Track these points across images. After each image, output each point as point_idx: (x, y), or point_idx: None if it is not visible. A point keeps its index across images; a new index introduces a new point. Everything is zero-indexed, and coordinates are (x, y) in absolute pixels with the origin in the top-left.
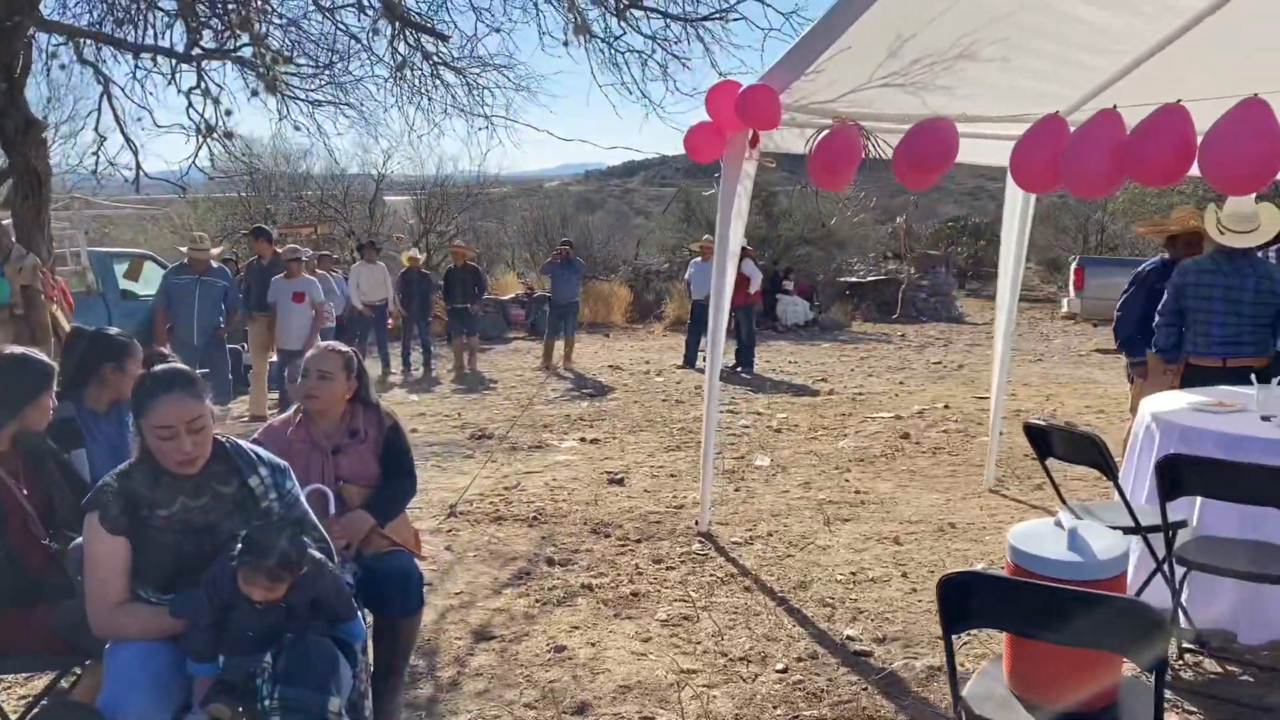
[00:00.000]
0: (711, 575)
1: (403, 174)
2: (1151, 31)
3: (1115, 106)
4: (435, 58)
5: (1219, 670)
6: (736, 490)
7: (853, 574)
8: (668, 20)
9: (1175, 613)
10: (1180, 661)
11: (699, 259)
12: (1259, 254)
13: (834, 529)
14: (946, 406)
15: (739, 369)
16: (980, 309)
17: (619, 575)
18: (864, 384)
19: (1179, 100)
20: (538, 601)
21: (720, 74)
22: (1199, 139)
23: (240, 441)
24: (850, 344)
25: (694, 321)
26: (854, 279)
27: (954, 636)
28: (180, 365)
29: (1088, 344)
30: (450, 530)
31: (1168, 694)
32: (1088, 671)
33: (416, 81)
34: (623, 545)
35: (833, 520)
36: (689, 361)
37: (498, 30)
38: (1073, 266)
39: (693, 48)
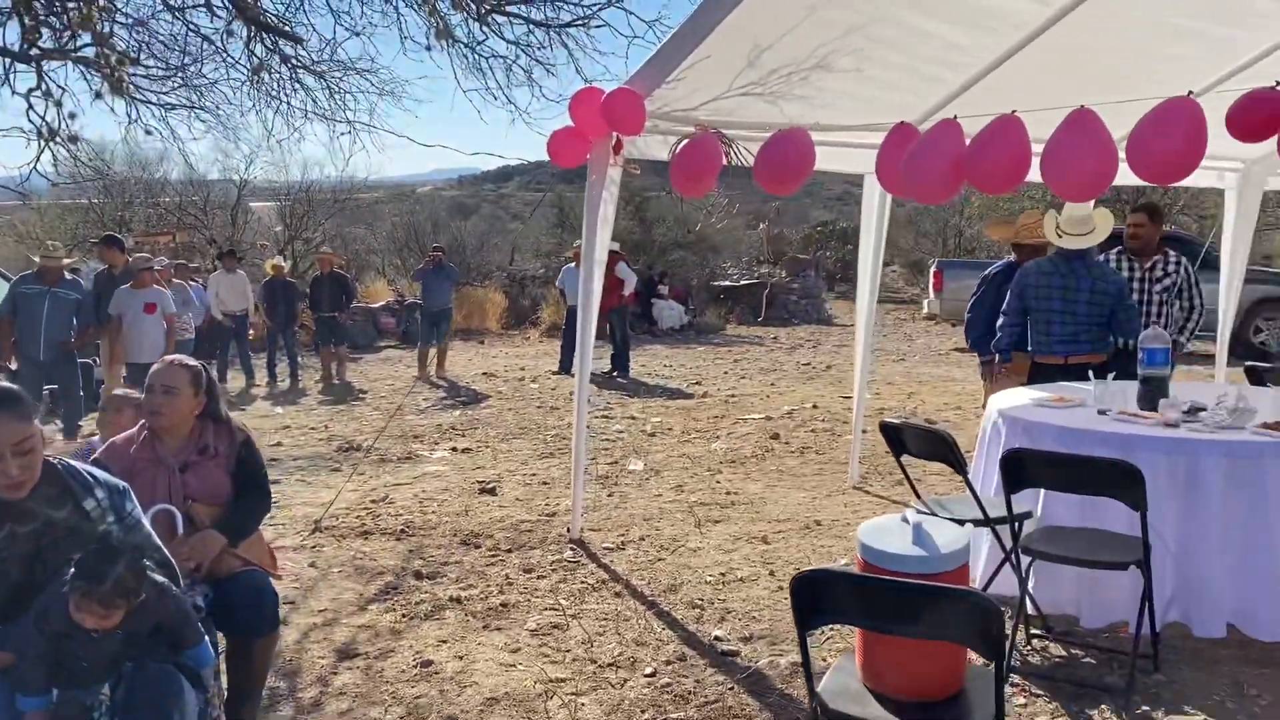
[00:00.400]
0: (582, 582)
1: (266, 180)
2: (994, 45)
3: (955, 116)
4: (294, 61)
5: (1063, 653)
6: (610, 495)
7: (722, 574)
8: (531, 26)
9: (1022, 600)
10: (1028, 646)
11: (573, 264)
12: (1098, 256)
13: (705, 530)
14: (815, 406)
15: (615, 374)
16: (848, 311)
17: (489, 586)
18: (737, 386)
19: (1014, 111)
20: (404, 616)
21: (585, 80)
22: (1035, 148)
23: (75, 463)
24: (724, 347)
25: (569, 327)
26: (728, 283)
27: (813, 632)
28: (4, 384)
29: (947, 343)
30: (315, 546)
31: (1016, 678)
32: (935, 662)
33: (275, 85)
34: (493, 556)
35: (703, 522)
36: (565, 367)
37: (357, 34)
38: (932, 269)
39: (557, 54)
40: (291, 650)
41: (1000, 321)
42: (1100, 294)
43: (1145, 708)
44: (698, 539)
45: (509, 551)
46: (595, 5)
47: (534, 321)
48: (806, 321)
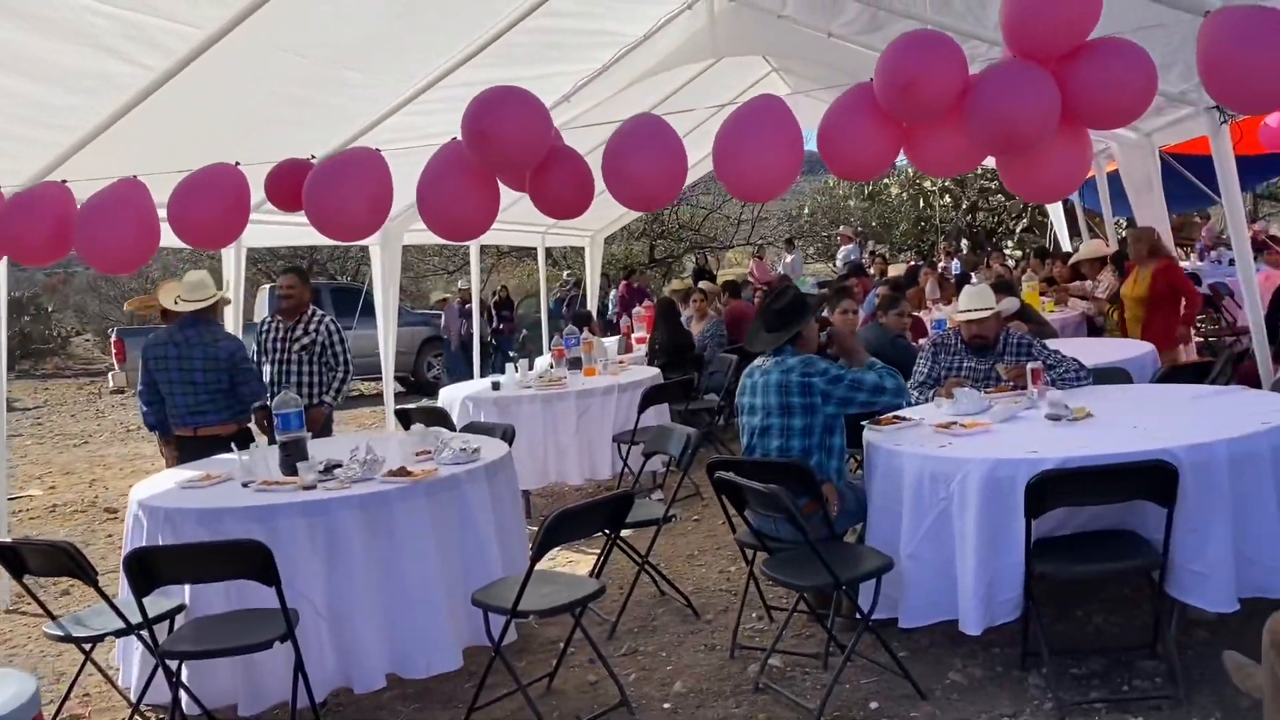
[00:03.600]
0: None
1: None
2: (100, 107)
3: (65, 181)
4: None
5: None
6: None
7: None
8: None
9: (175, 704)
10: None
11: None
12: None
13: None
14: None
15: None
16: (33, 391)
17: None
18: None
19: (62, 181)
20: None
21: None
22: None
23: None
24: None
25: None
26: None
27: None
28: None
29: (138, 417)
30: None
31: None
32: None
33: None
34: None
35: None
36: None
37: None
38: (112, 339)
39: None
40: None
41: (140, 393)
42: (213, 360)
43: None
44: None
45: None
46: None
47: None
48: None
